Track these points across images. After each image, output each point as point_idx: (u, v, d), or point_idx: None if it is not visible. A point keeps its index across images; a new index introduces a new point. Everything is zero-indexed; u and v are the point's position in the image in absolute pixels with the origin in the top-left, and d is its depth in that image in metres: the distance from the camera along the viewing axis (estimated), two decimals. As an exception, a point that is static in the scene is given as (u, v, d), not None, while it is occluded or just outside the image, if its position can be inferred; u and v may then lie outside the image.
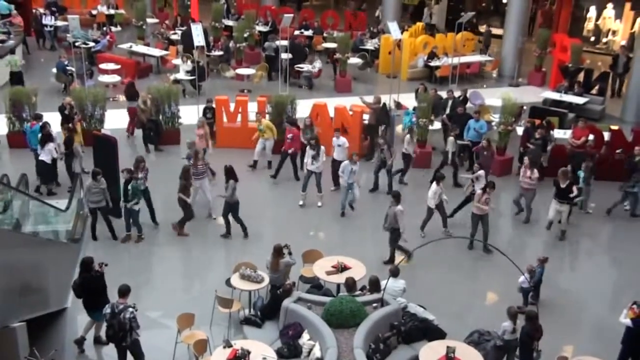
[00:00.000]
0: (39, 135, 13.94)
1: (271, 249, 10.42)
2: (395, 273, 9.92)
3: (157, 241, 12.72)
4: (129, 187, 12.04)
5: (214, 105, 16.50)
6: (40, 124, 14.24)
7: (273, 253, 10.38)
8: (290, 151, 14.91)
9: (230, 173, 12.49)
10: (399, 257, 11.56)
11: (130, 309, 8.52)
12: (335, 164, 14.30)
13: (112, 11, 28.00)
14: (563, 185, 12.95)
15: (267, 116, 16.26)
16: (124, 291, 8.67)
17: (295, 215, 13.85)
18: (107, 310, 8.59)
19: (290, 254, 10.44)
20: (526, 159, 13.82)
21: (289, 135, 14.94)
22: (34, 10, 25.78)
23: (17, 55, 20.57)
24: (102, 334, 9.49)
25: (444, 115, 16.69)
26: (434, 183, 12.76)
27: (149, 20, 26.55)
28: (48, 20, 25.07)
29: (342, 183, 13.68)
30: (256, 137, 15.43)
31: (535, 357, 8.96)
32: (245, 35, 23.59)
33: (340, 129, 15.43)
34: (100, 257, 12.13)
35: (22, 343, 8.06)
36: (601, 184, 14.86)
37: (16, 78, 19.52)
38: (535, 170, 13.54)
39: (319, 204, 14.11)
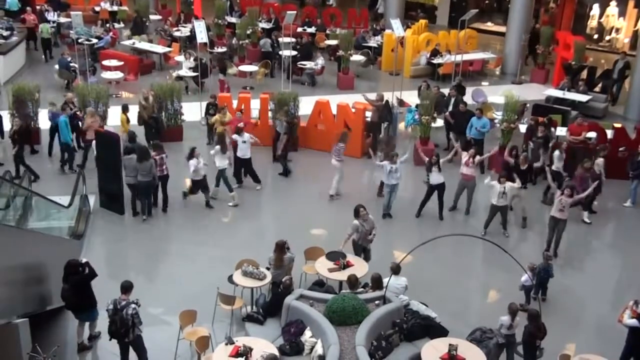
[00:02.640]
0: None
1: (271, 246, 10.41)
2: (396, 271, 9.92)
3: (159, 238, 12.74)
4: None
5: (216, 102, 16.50)
6: (71, 112, 15.04)
7: (276, 249, 10.39)
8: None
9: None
10: (400, 255, 11.54)
11: (133, 305, 8.53)
12: (239, 161, 14.29)
13: (115, 8, 28.00)
14: (523, 168, 13.31)
15: (270, 113, 16.28)
16: (127, 287, 8.68)
17: (295, 213, 13.84)
18: (109, 306, 8.60)
19: (288, 249, 10.48)
20: (472, 150, 13.51)
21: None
22: (38, 7, 25.78)
23: (48, 24, 23.23)
24: (93, 331, 9.56)
25: (447, 113, 16.67)
26: (496, 182, 12.63)
27: (152, 17, 26.58)
28: (51, 16, 25.08)
29: (386, 183, 13.39)
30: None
31: (538, 355, 8.96)
32: (248, 32, 23.59)
33: (343, 126, 15.42)
34: (101, 253, 12.26)
35: (25, 339, 8.08)
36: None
37: (45, 44, 22.76)
38: (478, 157, 13.48)
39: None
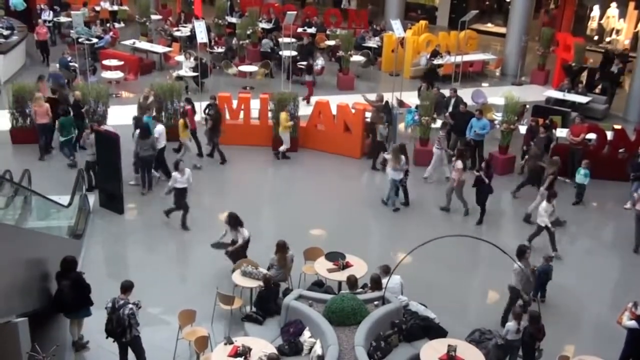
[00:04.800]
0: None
1: (271, 246, 10.42)
2: (386, 271, 9.93)
3: (158, 238, 12.74)
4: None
5: (217, 102, 16.49)
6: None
7: (278, 249, 10.42)
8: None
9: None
10: (400, 255, 11.54)
11: (130, 306, 8.52)
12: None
13: (115, 7, 28.01)
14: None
15: (270, 113, 16.29)
16: (126, 287, 8.68)
17: (295, 213, 13.85)
18: (108, 304, 8.61)
19: (287, 248, 10.51)
20: (459, 163, 13.40)
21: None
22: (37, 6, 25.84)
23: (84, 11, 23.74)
24: (80, 333, 9.55)
25: (447, 114, 16.67)
26: (545, 200, 12.25)
27: (153, 17, 26.59)
28: (46, 15, 25.07)
29: (392, 177, 13.73)
30: None
31: (537, 356, 8.97)
32: (248, 32, 23.60)
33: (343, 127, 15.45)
34: (100, 253, 12.26)
35: (24, 338, 8.07)
36: (602, 184, 14.88)
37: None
38: (459, 162, 13.42)
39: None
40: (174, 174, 12.67)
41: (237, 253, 11.04)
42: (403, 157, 13.57)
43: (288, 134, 15.87)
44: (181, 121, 15.14)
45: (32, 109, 15.59)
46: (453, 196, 13.86)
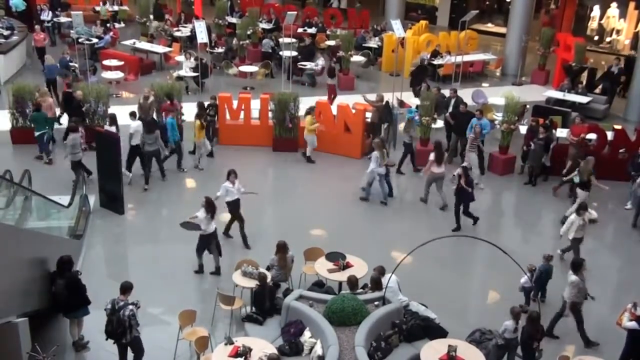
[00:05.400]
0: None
1: (271, 246, 10.42)
2: (381, 272, 9.94)
3: (158, 238, 12.74)
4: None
5: (217, 103, 16.50)
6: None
7: (278, 250, 10.43)
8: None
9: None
10: (400, 256, 11.54)
11: (130, 307, 8.52)
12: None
13: (115, 8, 28.01)
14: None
15: (270, 113, 16.30)
16: (126, 288, 8.67)
17: (295, 214, 13.85)
18: (108, 305, 8.60)
19: (287, 249, 10.52)
20: (432, 155, 13.77)
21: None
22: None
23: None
24: (80, 333, 9.54)
25: (447, 114, 16.67)
26: (574, 214, 11.86)
27: (153, 17, 26.60)
28: (45, 15, 25.06)
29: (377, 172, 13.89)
30: None
31: (537, 356, 8.96)
32: (249, 32, 23.60)
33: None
34: (101, 253, 12.25)
35: (24, 339, 8.09)
36: (603, 184, 14.84)
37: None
38: (432, 154, 13.78)
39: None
40: (224, 184, 12.06)
41: (191, 224, 11.04)
42: (385, 150, 13.97)
43: (313, 136, 15.81)
44: (197, 122, 15.08)
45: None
46: (432, 188, 14.06)
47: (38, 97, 15.78)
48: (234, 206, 12.19)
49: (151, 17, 25.85)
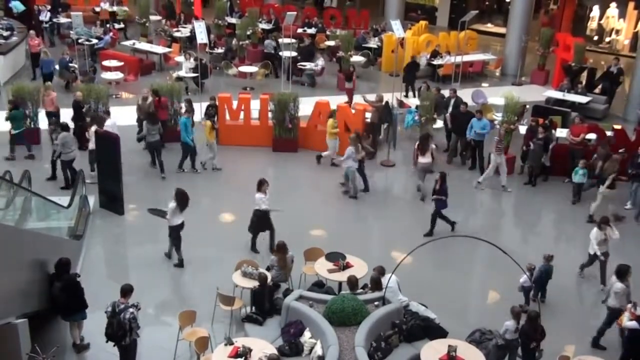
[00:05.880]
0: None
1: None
2: (381, 272, 9.94)
3: (158, 238, 12.72)
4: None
5: (216, 103, 16.50)
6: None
7: (278, 250, 10.43)
8: None
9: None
10: (400, 256, 11.54)
11: (131, 310, 8.47)
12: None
13: (115, 8, 28.00)
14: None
15: (270, 114, 16.30)
16: (126, 291, 8.62)
17: (295, 214, 13.83)
18: (108, 308, 8.57)
19: (287, 249, 10.52)
20: (416, 145, 14.28)
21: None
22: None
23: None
24: (81, 335, 9.52)
25: (447, 114, 16.67)
26: (596, 227, 11.41)
27: (152, 18, 26.60)
28: (43, 16, 25.05)
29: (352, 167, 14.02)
30: None
31: (537, 356, 8.96)
32: (248, 33, 23.59)
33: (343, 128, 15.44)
34: (101, 254, 12.25)
35: (24, 340, 8.08)
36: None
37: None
38: (427, 154, 14.11)
39: None
40: (257, 195, 11.77)
41: (157, 211, 11.26)
42: (359, 145, 14.07)
43: (335, 140, 15.68)
44: (208, 123, 15.07)
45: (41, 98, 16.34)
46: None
47: (43, 91, 16.25)
48: (264, 216, 11.83)
49: (155, 17, 25.79)
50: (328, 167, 15.73)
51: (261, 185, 11.83)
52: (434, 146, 14.46)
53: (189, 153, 15.10)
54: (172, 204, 11.22)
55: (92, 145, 14.09)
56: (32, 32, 22.22)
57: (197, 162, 15.23)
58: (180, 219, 11.32)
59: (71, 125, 15.61)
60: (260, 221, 11.87)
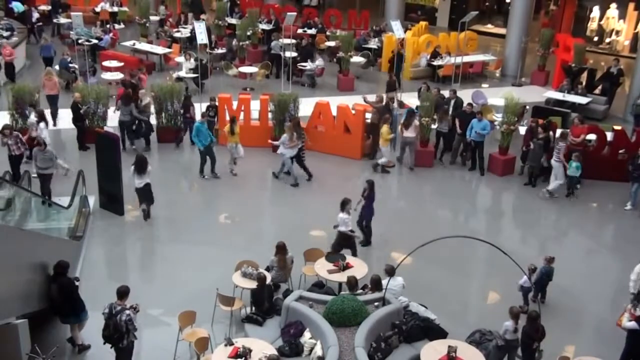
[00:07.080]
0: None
1: (271, 247, 10.40)
2: (390, 273, 9.91)
3: (158, 239, 12.75)
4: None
5: (216, 104, 16.49)
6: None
7: (278, 251, 10.43)
8: None
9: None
10: (400, 256, 11.55)
11: (127, 312, 8.41)
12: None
13: (115, 8, 28.02)
14: None
15: (270, 114, 16.30)
16: (123, 292, 8.59)
17: (295, 214, 13.85)
18: (105, 310, 8.54)
19: (287, 250, 10.53)
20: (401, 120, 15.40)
21: None
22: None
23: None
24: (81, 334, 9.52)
25: (449, 117, 16.57)
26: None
27: (152, 18, 26.60)
28: (34, 17, 25.08)
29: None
30: None
31: (537, 357, 8.95)
32: (248, 33, 23.60)
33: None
34: (101, 254, 12.24)
35: (24, 340, 8.08)
36: (603, 184, 14.86)
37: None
38: (410, 128, 15.28)
39: None
40: (340, 215, 11.35)
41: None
42: (295, 133, 14.42)
43: (388, 146, 15.60)
44: (227, 127, 14.96)
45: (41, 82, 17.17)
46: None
47: (44, 77, 17.15)
48: (349, 237, 11.52)
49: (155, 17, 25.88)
50: (328, 168, 15.72)
51: (344, 205, 11.42)
52: (416, 122, 15.38)
53: (206, 158, 14.94)
54: (132, 168, 12.52)
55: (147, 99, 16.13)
56: (4, 40, 21.48)
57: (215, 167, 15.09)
58: (141, 181, 12.52)
59: (71, 126, 15.66)
60: (345, 242, 11.53)
